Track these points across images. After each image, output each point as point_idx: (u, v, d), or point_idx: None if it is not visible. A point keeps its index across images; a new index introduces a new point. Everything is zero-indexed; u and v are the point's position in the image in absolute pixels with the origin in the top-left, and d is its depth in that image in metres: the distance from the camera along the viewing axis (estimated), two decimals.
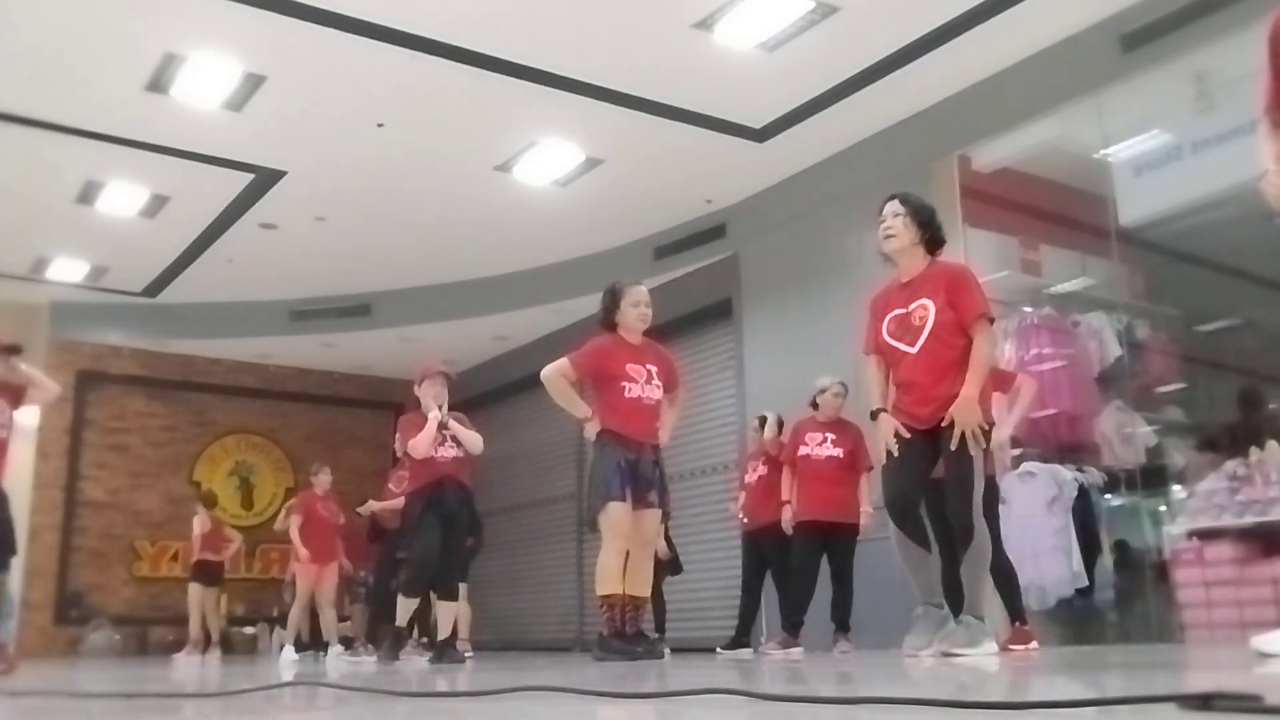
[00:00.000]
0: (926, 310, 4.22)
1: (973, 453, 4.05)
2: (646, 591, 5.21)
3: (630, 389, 5.09)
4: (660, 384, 5.18)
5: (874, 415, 4.38)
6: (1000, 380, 5.43)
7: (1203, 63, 6.02)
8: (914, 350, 4.24)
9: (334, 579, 8.70)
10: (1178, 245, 7.14)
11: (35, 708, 2.84)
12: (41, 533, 11.07)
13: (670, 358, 5.45)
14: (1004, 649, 5.04)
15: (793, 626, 6.24)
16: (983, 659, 3.93)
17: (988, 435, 4.16)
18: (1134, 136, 6.58)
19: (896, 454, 4.21)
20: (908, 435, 4.18)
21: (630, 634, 5.05)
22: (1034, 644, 5.26)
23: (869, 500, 6.13)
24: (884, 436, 4.27)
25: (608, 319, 5.23)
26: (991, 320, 4.24)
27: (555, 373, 5.14)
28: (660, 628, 7.48)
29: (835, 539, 6.20)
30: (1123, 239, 6.68)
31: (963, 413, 4.03)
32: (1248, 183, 6.12)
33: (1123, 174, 6.57)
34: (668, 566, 7.56)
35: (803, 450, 6.39)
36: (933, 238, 4.35)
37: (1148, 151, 6.48)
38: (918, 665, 3.69)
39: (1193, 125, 6.20)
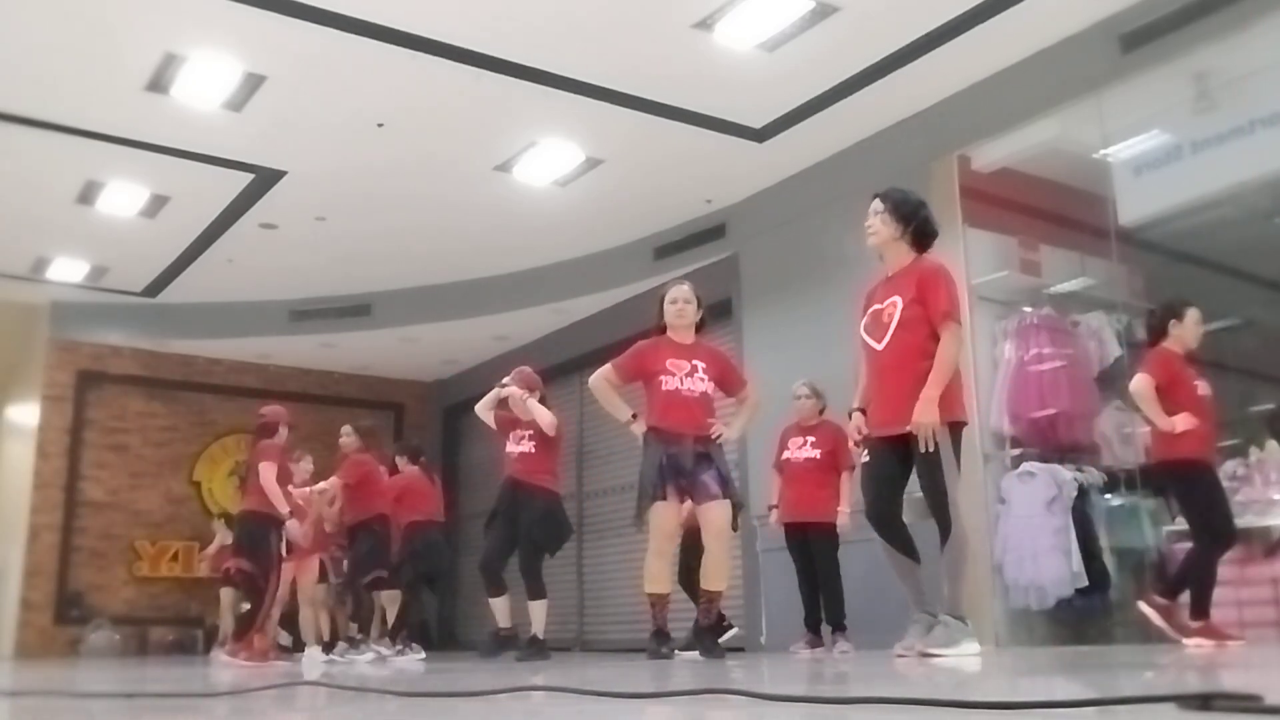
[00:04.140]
0: (895, 307, 4.23)
1: (926, 448, 4.03)
2: (721, 586, 5.24)
3: (667, 382, 5.17)
4: (707, 379, 5.22)
5: (850, 415, 4.47)
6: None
7: (1203, 63, 6.02)
8: (880, 347, 4.26)
9: (309, 575, 8.60)
10: (1178, 245, 7.13)
11: (35, 708, 2.84)
12: (41, 533, 11.07)
13: (724, 357, 5.53)
14: (1190, 635, 4.99)
15: (815, 625, 6.31)
16: (961, 659, 3.93)
17: (956, 432, 4.16)
18: (1134, 136, 6.57)
19: (869, 462, 4.24)
20: (869, 446, 4.26)
21: (706, 625, 5.22)
22: (1218, 641, 4.99)
23: (848, 501, 6.16)
24: (850, 433, 4.47)
25: (658, 321, 5.38)
26: (959, 322, 4.22)
27: (599, 378, 5.34)
28: (364, 630, 7.56)
29: (815, 539, 6.25)
30: (1122, 239, 6.68)
31: (920, 412, 4.03)
32: (1248, 183, 6.17)
33: (1123, 174, 6.56)
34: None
35: (785, 454, 6.47)
36: (918, 231, 4.33)
37: (1148, 151, 6.47)
38: (911, 665, 3.70)
39: (1193, 125, 6.19)
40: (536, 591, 6.18)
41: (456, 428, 13.19)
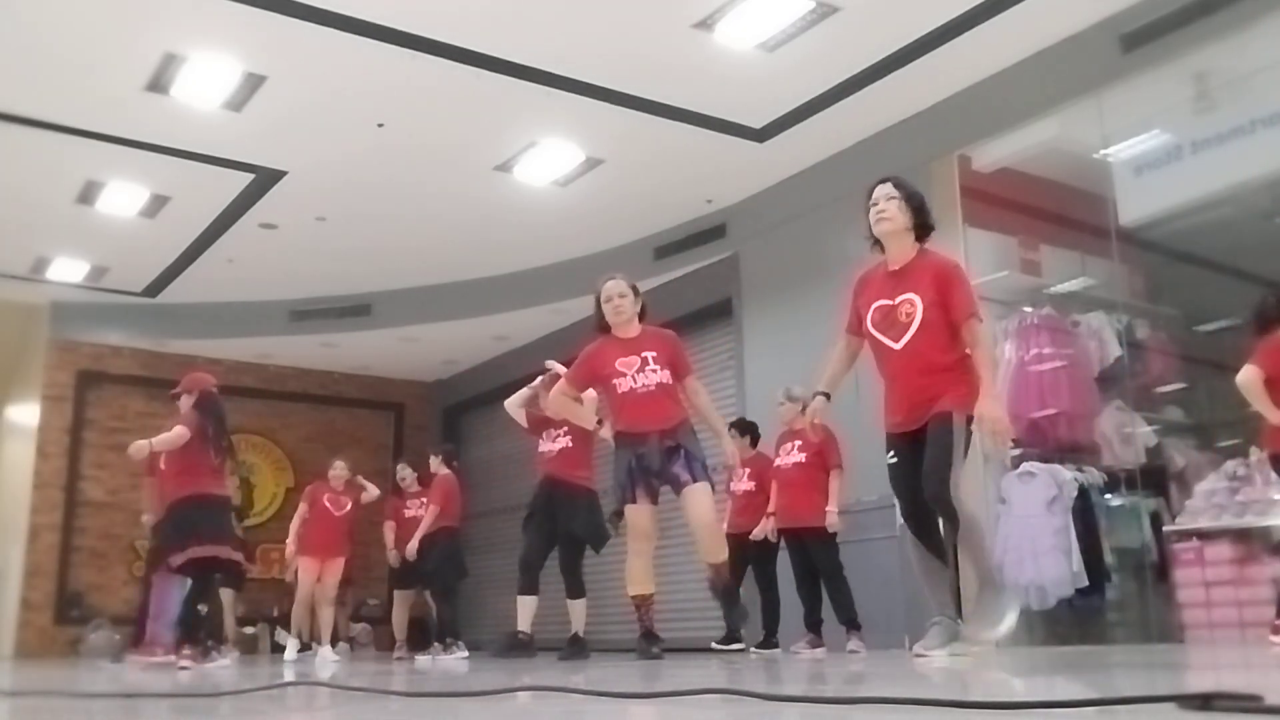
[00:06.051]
0: (914, 306, 4.15)
1: (986, 452, 4.09)
2: (721, 556, 5.18)
3: (621, 384, 5.17)
4: (660, 368, 5.16)
5: (814, 396, 4.48)
6: None
7: (1203, 63, 6.02)
8: (898, 346, 4.19)
9: (335, 575, 8.61)
10: (1178, 245, 7.13)
11: (35, 708, 2.84)
12: (41, 533, 11.06)
13: (672, 342, 5.39)
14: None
15: (815, 625, 6.32)
16: (950, 659, 3.94)
17: (969, 425, 4.15)
18: (1134, 136, 6.58)
19: (896, 462, 4.23)
20: (892, 446, 4.22)
21: (722, 586, 5.19)
22: None
23: (836, 500, 6.19)
24: (810, 415, 4.52)
25: (599, 322, 5.36)
26: (980, 319, 4.18)
27: (557, 395, 5.40)
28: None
29: (811, 542, 6.29)
30: (1123, 239, 6.68)
31: (989, 407, 3.98)
32: (1248, 183, 6.17)
33: (1123, 174, 6.56)
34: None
35: (777, 462, 6.50)
36: (922, 224, 4.31)
37: (1148, 151, 6.47)
38: (914, 665, 3.70)
39: (1193, 125, 6.19)
40: (577, 590, 6.21)
41: (456, 427, 13.17)
